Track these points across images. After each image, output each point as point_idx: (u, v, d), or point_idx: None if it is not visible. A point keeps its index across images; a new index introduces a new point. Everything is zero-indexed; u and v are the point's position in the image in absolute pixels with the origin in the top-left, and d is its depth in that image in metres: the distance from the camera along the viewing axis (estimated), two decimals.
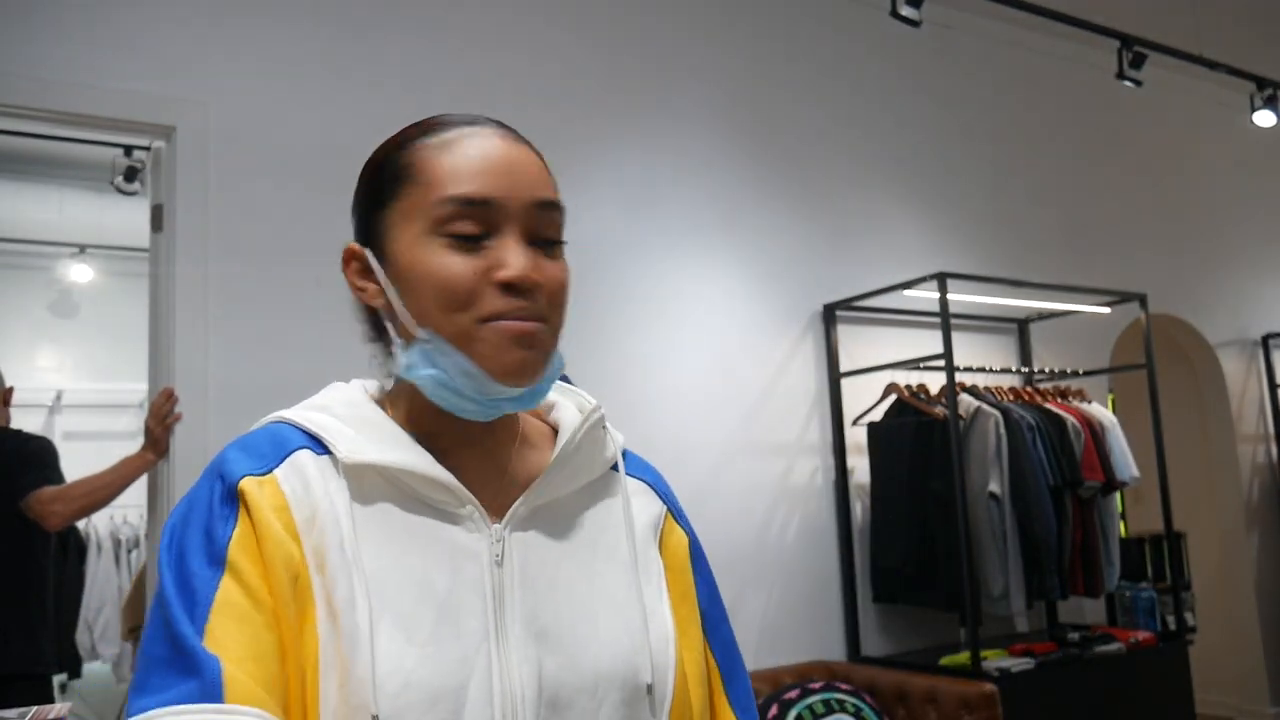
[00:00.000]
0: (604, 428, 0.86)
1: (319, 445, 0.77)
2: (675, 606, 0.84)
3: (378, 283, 0.79)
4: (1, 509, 2.57)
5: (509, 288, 0.74)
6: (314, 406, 0.81)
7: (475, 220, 0.75)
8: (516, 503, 0.79)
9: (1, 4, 2.48)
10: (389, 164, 0.80)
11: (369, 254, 0.80)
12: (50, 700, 2.64)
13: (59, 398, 5.63)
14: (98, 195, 5.26)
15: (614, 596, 0.79)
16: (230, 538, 0.70)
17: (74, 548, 5.00)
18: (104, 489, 2.57)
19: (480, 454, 0.81)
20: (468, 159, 0.76)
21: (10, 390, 2.83)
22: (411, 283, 0.76)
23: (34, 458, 2.64)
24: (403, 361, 0.78)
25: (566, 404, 0.88)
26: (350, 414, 0.79)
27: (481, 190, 0.75)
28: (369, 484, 0.76)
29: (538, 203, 0.77)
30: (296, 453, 0.76)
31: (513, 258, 0.75)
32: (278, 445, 0.76)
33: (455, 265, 0.74)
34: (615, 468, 0.86)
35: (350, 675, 0.68)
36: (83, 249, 5.71)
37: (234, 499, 0.72)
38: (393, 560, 0.73)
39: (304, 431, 0.78)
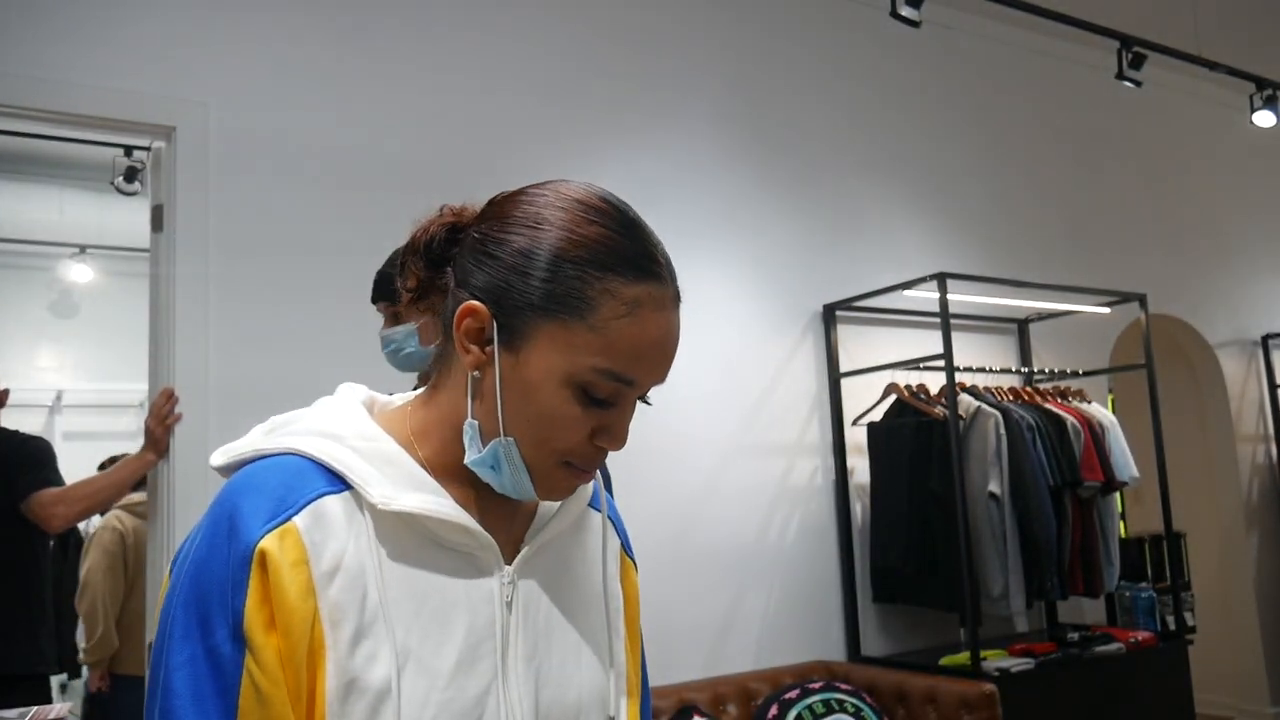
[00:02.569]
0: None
1: (340, 485, 0.74)
2: (628, 636, 0.90)
3: (486, 356, 0.75)
4: (0, 510, 2.57)
5: (602, 449, 0.76)
6: (326, 435, 0.77)
7: (614, 392, 0.74)
8: (525, 547, 0.82)
9: (2, 4, 2.48)
10: (569, 276, 0.72)
11: (495, 331, 0.75)
12: (50, 700, 2.64)
13: (59, 398, 5.62)
14: (98, 195, 5.26)
15: (589, 632, 0.85)
16: (244, 607, 0.68)
17: (73, 548, 4.99)
18: (105, 490, 2.57)
19: (491, 495, 0.82)
20: (644, 340, 0.73)
21: (5, 393, 2.81)
22: (526, 402, 0.74)
23: (32, 458, 2.64)
24: (471, 443, 0.77)
25: None
26: (368, 449, 0.76)
27: (636, 375, 0.74)
28: (393, 527, 0.75)
29: (663, 380, 0.78)
30: (320, 500, 0.73)
31: (621, 427, 0.76)
32: (297, 487, 0.73)
33: (576, 421, 0.74)
34: (592, 503, 0.90)
35: None
36: (83, 249, 5.70)
37: (248, 563, 0.69)
38: (417, 606, 0.74)
39: (323, 467, 0.75)
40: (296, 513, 0.71)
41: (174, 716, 0.66)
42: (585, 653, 0.83)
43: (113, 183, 4.66)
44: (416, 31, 3.06)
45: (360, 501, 0.74)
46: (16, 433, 2.73)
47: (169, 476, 2.55)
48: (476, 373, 0.76)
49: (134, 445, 2.61)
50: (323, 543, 0.71)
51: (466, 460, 0.77)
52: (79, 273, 5.74)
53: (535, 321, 0.73)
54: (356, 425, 0.78)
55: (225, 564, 0.69)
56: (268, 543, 0.69)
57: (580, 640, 0.84)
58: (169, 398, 2.53)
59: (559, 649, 0.81)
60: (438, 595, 0.75)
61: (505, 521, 0.82)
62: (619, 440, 0.76)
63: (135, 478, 2.58)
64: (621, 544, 0.94)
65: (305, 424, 0.79)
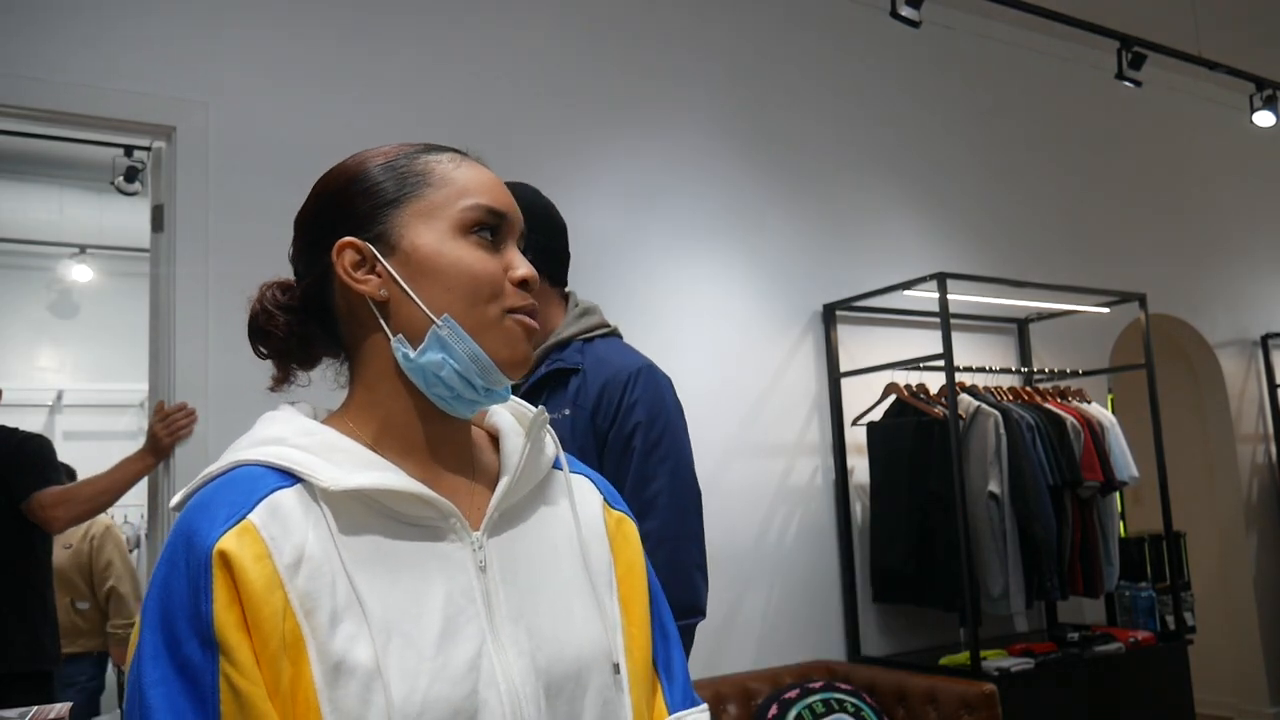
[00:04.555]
0: (547, 429, 0.90)
1: (290, 480, 0.75)
2: (623, 585, 0.89)
3: (378, 275, 0.81)
4: (0, 508, 2.57)
5: (523, 284, 0.83)
6: (269, 441, 0.78)
7: (492, 228, 0.83)
8: (490, 508, 0.82)
9: (3, 4, 2.48)
10: (397, 169, 0.83)
11: (371, 248, 0.81)
12: (53, 698, 2.64)
13: (59, 398, 5.62)
14: (98, 195, 5.26)
15: (577, 587, 0.85)
16: (212, 610, 0.68)
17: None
18: (105, 493, 2.57)
19: (448, 464, 0.84)
20: (479, 176, 0.84)
21: None
22: (437, 274, 0.80)
23: (32, 458, 2.64)
24: (405, 353, 0.80)
25: (499, 409, 0.91)
26: (313, 442, 0.78)
27: (497, 204, 0.84)
28: (350, 511, 0.75)
29: (522, 225, 0.87)
30: (272, 494, 0.73)
31: (520, 261, 0.84)
32: (247, 490, 0.74)
33: (486, 261, 0.82)
34: (556, 465, 0.92)
35: (367, 712, 0.69)
36: (83, 249, 5.70)
37: (209, 566, 0.69)
38: (389, 583, 0.74)
39: (271, 468, 0.76)
40: (250, 510, 0.72)
41: None
42: (578, 610, 0.84)
43: (113, 183, 4.67)
44: (416, 31, 3.06)
45: (314, 491, 0.75)
46: (16, 430, 2.72)
47: (170, 478, 2.55)
48: (384, 292, 0.80)
49: (134, 445, 2.61)
50: (282, 536, 0.72)
51: (415, 359, 0.79)
52: (79, 273, 5.74)
53: (396, 214, 0.82)
54: (297, 425, 0.80)
55: (186, 575, 0.69)
56: (225, 542, 0.69)
57: (571, 598, 0.84)
58: (189, 415, 2.52)
59: (548, 608, 0.82)
60: (409, 569, 0.76)
61: (465, 491, 0.83)
62: (525, 268, 0.83)
63: (135, 480, 2.58)
64: (605, 499, 0.94)
65: (247, 439, 0.80)
